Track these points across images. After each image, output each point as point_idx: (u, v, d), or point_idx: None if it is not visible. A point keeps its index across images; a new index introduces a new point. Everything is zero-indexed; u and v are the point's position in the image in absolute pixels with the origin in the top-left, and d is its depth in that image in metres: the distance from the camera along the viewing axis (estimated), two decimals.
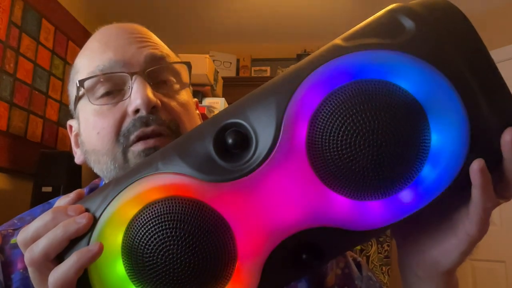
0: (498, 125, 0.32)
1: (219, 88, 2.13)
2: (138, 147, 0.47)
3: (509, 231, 2.19)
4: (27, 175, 1.83)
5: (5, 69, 1.69)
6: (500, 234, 2.20)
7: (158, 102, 0.47)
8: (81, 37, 2.23)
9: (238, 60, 3.03)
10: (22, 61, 1.80)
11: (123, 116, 0.48)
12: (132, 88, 0.47)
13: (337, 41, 0.33)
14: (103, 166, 0.49)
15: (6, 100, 1.70)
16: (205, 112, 1.69)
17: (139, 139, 0.47)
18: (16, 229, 0.53)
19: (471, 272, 2.35)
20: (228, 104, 1.86)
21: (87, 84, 0.49)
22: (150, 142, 0.46)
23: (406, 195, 0.33)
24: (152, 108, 0.46)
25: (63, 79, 2.09)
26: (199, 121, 0.56)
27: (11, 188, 1.78)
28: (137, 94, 0.46)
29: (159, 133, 0.47)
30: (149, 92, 0.46)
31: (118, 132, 0.47)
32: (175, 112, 0.49)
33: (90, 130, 0.49)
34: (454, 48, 0.32)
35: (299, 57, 2.91)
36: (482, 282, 2.33)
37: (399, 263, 0.42)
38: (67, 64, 2.13)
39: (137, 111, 0.47)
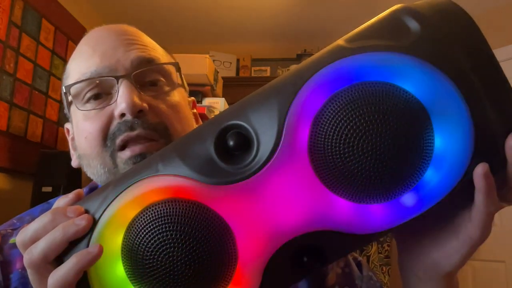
0: (503, 129, 0.31)
1: (219, 88, 2.13)
2: (125, 154, 0.46)
3: (509, 231, 2.19)
4: (27, 175, 1.82)
5: (5, 69, 1.69)
6: (500, 234, 2.20)
7: (145, 105, 0.47)
8: (81, 37, 2.22)
9: (238, 60, 3.03)
10: (22, 61, 1.80)
11: (110, 120, 0.47)
12: (118, 92, 0.47)
13: (340, 42, 0.33)
14: (94, 170, 0.49)
15: (6, 100, 1.70)
16: (205, 112, 1.69)
17: (124, 143, 0.46)
18: (15, 229, 0.53)
19: (471, 272, 2.35)
20: (228, 104, 1.86)
21: (74, 89, 0.49)
22: (136, 149, 0.46)
23: (408, 199, 0.32)
24: (138, 112, 0.46)
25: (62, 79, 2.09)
26: (193, 121, 0.55)
27: (11, 188, 1.78)
28: (122, 98, 0.46)
29: (144, 137, 0.46)
30: (135, 96, 0.46)
31: (105, 136, 0.47)
32: (163, 114, 0.49)
33: (80, 135, 0.50)
34: (459, 50, 0.31)
35: (299, 57, 2.92)
36: (482, 282, 2.33)
37: (399, 264, 0.42)
38: (67, 64, 2.13)
39: (122, 115, 0.46)
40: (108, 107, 0.48)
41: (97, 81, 0.48)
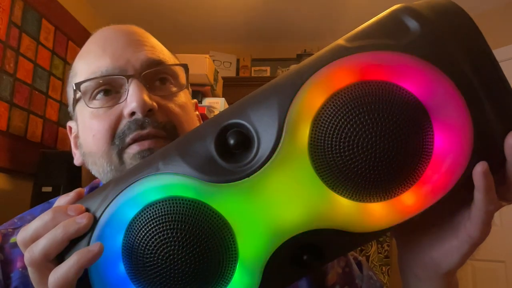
0: (502, 128, 0.31)
1: (219, 88, 2.13)
2: (133, 149, 0.47)
3: (509, 231, 2.19)
4: (27, 175, 1.82)
5: (5, 69, 1.69)
6: (500, 234, 2.20)
7: (154, 104, 0.47)
8: (81, 37, 2.23)
9: (238, 60, 3.02)
10: (22, 61, 1.80)
11: (119, 119, 0.48)
12: (128, 91, 0.47)
13: (340, 41, 0.33)
14: (100, 168, 0.49)
15: (6, 100, 1.70)
16: (205, 112, 1.69)
17: (134, 141, 0.47)
18: (16, 228, 0.53)
19: (471, 272, 2.35)
20: (228, 104, 1.86)
21: (84, 87, 0.49)
22: (145, 144, 0.46)
23: (408, 197, 0.33)
24: (148, 111, 0.47)
25: (63, 79, 2.09)
26: (197, 123, 0.56)
27: (11, 188, 1.78)
28: (132, 97, 0.46)
29: (154, 135, 0.47)
30: (145, 95, 0.46)
31: (113, 135, 0.47)
32: (172, 113, 0.49)
33: (87, 133, 0.50)
34: (458, 49, 0.31)
35: (299, 57, 2.91)
36: (482, 282, 2.33)
37: (399, 263, 0.42)
38: (67, 64, 2.13)
39: (132, 113, 0.47)
40: (117, 106, 0.48)
41: (107, 80, 0.49)
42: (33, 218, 0.53)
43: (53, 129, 2.03)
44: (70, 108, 0.54)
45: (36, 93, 1.89)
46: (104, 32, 0.53)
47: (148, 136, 0.47)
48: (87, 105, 0.49)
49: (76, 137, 0.54)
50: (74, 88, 0.50)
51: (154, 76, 0.50)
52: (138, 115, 0.46)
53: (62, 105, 2.06)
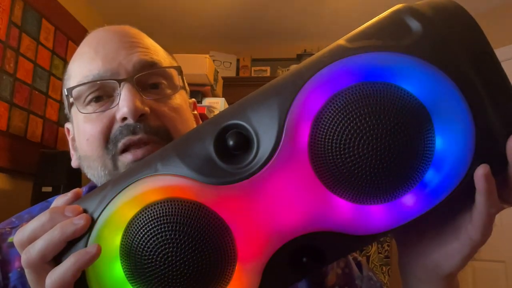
0: (504, 130, 0.31)
1: (219, 88, 2.13)
2: (127, 158, 0.46)
3: (509, 231, 2.19)
4: (27, 175, 1.82)
5: (5, 69, 1.69)
6: (500, 234, 2.19)
7: (146, 109, 0.47)
8: (81, 37, 2.20)
9: (238, 60, 3.03)
10: (22, 61, 1.80)
11: (111, 123, 0.47)
12: (120, 95, 0.47)
13: (341, 41, 0.32)
14: (95, 172, 0.49)
15: (6, 100, 1.69)
16: (205, 112, 1.69)
17: (126, 147, 0.46)
18: (14, 227, 0.53)
19: (471, 272, 2.35)
20: (228, 104, 1.85)
21: (75, 92, 0.49)
22: (138, 154, 0.46)
23: (409, 200, 0.32)
24: (140, 116, 0.46)
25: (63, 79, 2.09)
26: (193, 123, 0.55)
27: (11, 188, 1.78)
28: (124, 102, 0.46)
29: (146, 141, 0.46)
30: (137, 100, 0.46)
31: (106, 139, 0.47)
32: (165, 117, 0.49)
33: (81, 137, 0.50)
34: (461, 51, 0.31)
35: (299, 57, 2.91)
36: (482, 282, 2.33)
37: (399, 264, 0.42)
38: (67, 64, 2.13)
39: (124, 118, 0.46)
40: (110, 110, 0.48)
41: (99, 84, 0.48)
42: (31, 216, 0.53)
43: (53, 129, 2.03)
44: (67, 111, 0.54)
45: (36, 93, 1.89)
46: (97, 33, 0.53)
47: (139, 142, 0.46)
48: (80, 111, 0.49)
49: (73, 139, 0.54)
50: (66, 93, 0.50)
51: (147, 79, 0.50)
52: (130, 121, 0.46)
53: (62, 105, 2.06)
